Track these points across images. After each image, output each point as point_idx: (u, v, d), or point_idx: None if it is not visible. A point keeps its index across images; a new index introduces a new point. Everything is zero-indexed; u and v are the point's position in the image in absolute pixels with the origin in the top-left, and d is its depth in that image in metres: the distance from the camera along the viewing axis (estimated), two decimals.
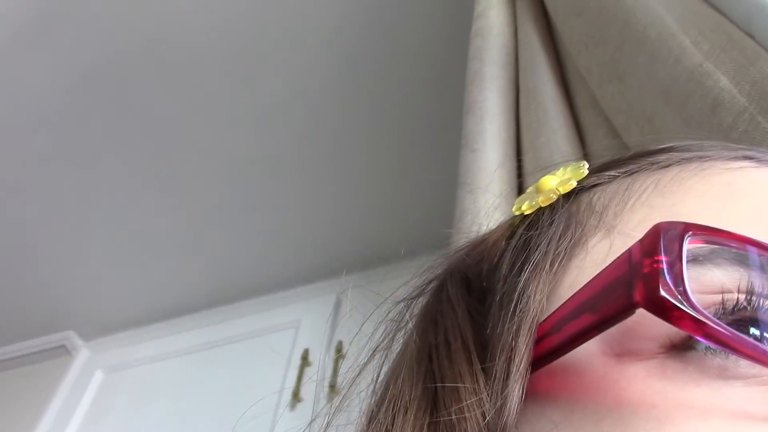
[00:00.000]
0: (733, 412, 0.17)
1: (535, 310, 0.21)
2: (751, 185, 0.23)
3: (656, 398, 0.18)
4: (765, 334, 0.18)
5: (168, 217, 1.81)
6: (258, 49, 1.53)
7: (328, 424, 0.26)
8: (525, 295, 0.22)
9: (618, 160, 0.28)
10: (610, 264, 0.20)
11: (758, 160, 0.25)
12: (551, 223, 0.25)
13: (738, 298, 0.19)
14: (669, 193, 0.23)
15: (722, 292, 0.19)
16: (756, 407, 0.17)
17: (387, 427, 0.22)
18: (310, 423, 0.27)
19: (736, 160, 0.24)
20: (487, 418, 0.19)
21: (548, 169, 0.31)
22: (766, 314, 0.19)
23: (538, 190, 0.28)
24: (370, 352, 0.28)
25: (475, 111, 0.75)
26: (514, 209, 0.28)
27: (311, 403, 1.44)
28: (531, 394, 0.20)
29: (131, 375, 1.89)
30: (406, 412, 0.22)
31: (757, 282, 0.19)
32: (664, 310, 0.17)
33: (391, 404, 0.23)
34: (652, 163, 0.26)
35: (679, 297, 0.17)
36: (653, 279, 0.17)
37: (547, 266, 0.23)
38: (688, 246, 0.18)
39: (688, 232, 0.18)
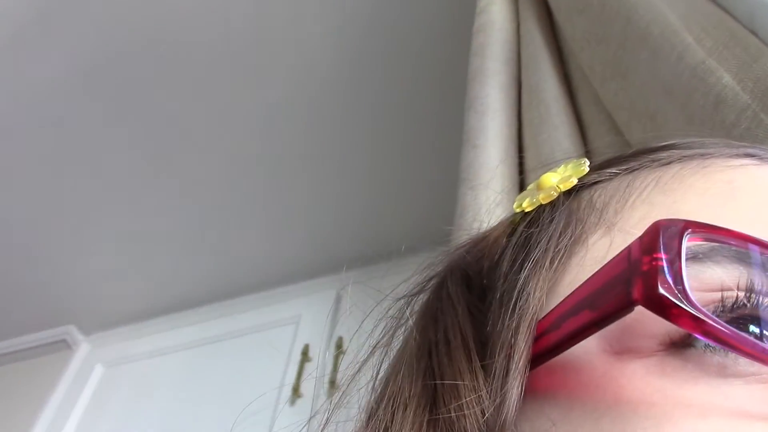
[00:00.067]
0: (732, 410, 0.17)
1: (534, 308, 0.21)
2: (752, 183, 0.23)
3: (655, 396, 0.18)
4: (765, 332, 0.18)
5: (169, 212, 1.81)
6: (259, 47, 1.53)
7: (327, 420, 0.26)
8: (525, 292, 0.22)
9: (619, 157, 0.28)
10: (609, 261, 0.20)
11: (760, 158, 0.24)
12: (552, 221, 0.25)
13: (738, 296, 0.19)
14: (670, 191, 0.23)
15: (722, 290, 0.19)
16: (755, 405, 0.17)
17: (386, 423, 0.22)
18: (310, 419, 0.27)
19: (738, 157, 0.24)
20: (487, 415, 0.19)
21: (549, 166, 0.31)
22: (765, 312, 0.18)
23: (539, 187, 0.28)
24: (370, 349, 0.28)
25: (477, 107, 0.75)
26: (515, 206, 0.28)
27: (311, 399, 1.44)
28: (530, 392, 0.20)
29: (131, 369, 1.90)
30: (406, 409, 0.22)
31: (757, 280, 0.19)
32: (663, 308, 0.17)
33: (391, 401, 0.23)
34: (653, 161, 0.26)
35: (678, 295, 0.17)
36: (652, 276, 0.17)
37: (548, 263, 0.23)
38: (687, 243, 0.18)
39: (687, 229, 0.18)
